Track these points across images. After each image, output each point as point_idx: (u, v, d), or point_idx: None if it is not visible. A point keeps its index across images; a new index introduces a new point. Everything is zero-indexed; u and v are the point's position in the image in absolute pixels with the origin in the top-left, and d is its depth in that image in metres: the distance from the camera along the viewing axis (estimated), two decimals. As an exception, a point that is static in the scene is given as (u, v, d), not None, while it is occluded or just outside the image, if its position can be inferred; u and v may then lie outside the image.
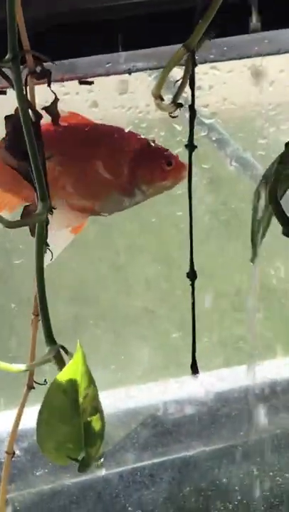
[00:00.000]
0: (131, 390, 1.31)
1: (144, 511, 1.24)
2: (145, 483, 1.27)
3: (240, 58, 0.91)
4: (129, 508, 1.23)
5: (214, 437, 1.33)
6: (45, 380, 0.84)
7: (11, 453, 0.90)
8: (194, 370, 0.80)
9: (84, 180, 0.88)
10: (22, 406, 0.89)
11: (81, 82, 0.82)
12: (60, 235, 0.88)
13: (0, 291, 1.21)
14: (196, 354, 0.81)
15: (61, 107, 0.78)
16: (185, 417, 1.34)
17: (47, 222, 0.77)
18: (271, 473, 1.27)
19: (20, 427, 0.90)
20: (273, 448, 1.29)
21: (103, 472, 1.22)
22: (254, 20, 0.82)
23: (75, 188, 0.89)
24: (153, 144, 0.89)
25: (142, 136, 0.89)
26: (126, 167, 0.85)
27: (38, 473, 1.24)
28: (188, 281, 0.81)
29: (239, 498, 1.25)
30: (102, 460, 0.75)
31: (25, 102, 0.75)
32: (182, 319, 1.30)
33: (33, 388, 0.88)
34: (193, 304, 0.78)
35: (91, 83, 0.82)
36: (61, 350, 0.79)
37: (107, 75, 0.92)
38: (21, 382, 0.88)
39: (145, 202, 0.90)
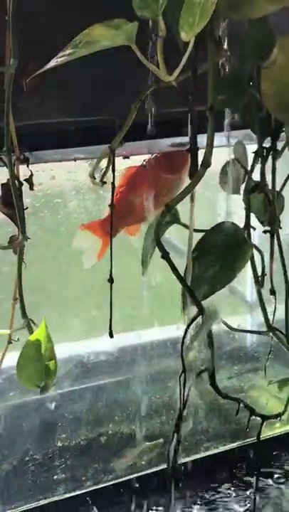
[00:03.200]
0: (65, 345, 1.30)
1: (75, 416, 1.23)
2: (75, 400, 1.26)
3: (140, 154, 0.92)
4: (65, 414, 1.23)
5: (116, 373, 1.33)
6: (18, 339, 0.84)
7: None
8: (111, 335, 0.80)
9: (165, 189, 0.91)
10: (4, 353, 0.88)
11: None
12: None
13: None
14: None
15: (37, 179, 0.78)
16: (99, 361, 1.34)
17: (23, 246, 0.78)
18: (150, 395, 1.27)
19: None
20: (151, 380, 1.30)
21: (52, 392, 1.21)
22: (149, 134, 0.83)
23: (163, 192, 0.91)
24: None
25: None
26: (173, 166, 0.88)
27: (11, 394, 1.22)
28: (105, 281, 0.81)
29: (130, 409, 1.26)
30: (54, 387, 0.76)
31: (14, 176, 0.76)
32: (99, 304, 1.30)
33: (11, 343, 0.86)
34: (110, 296, 0.78)
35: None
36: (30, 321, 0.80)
37: (60, 161, 0.92)
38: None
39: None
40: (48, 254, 1.22)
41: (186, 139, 0.77)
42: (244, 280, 1.39)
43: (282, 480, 1.18)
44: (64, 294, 1.34)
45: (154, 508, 1.11)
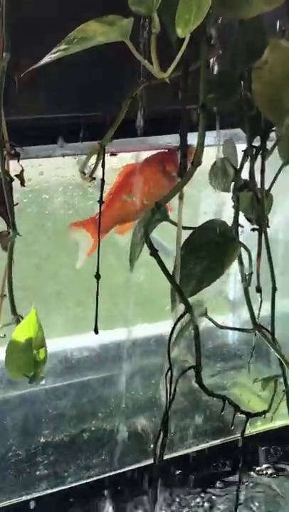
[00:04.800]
0: (50, 341, 1.28)
1: (59, 412, 1.23)
2: (59, 396, 1.26)
3: (131, 151, 0.92)
4: (49, 410, 1.22)
5: (100, 369, 1.32)
6: (4, 335, 0.83)
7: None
8: (96, 331, 0.80)
9: (161, 185, 0.89)
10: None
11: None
12: None
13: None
14: (93, 322, 0.80)
15: (26, 174, 0.78)
16: (83, 357, 1.33)
17: (14, 242, 0.76)
18: (133, 392, 1.27)
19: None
20: (133, 376, 1.29)
21: (36, 388, 1.20)
22: (138, 131, 0.82)
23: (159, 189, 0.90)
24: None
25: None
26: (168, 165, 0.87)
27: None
28: (88, 278, 0.80)
29: (113, 406, 1.25)
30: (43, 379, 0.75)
31: (4, 171, 0.75)
32: (82, 300, 1.30)
33: (-3, 339, 0.85)
34: (97, 292, 0.78)
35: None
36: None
37: (50, 157, 0.91)
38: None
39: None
40: (33, 250, 1.21)
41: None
42: (227, 278, 1.39)
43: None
44: (45, 291, 1.33)
45: (140, 503, 1.11)
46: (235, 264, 0.85)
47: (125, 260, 0.89)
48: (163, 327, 1.09)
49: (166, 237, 0.85)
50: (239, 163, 0.84)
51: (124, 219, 0.92)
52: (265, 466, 1.22)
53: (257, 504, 1.13)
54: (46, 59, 0.64)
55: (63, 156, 0.90)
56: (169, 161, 0.90)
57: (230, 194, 0.86)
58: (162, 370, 0.78)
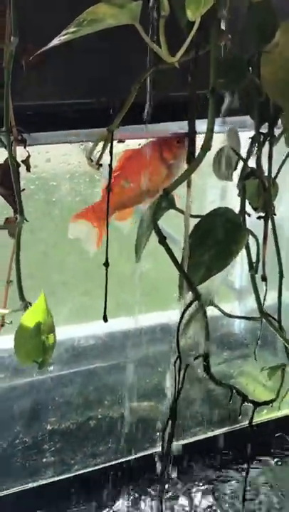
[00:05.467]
0: (56, 330, 1.28)
1: (65, 400, 1.22)
2: (65, 383, 1.25)
3: (137, 138, 0.90)
4: (56, 398, 1.21)
5: (106, 357, 1.31)
6: (11, 322, 0.82)
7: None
8: (105, 319, 0.79)
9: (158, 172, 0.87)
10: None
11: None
12: None
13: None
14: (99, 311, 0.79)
15: (32, 161, 0.76)
16: (89, 345, 1.33)
17: (21, 228, 0.75)
18: (138, 379, 1.26)
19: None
20: (140, 364, 1.28)
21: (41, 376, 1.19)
22: (145, 117, 0.81)
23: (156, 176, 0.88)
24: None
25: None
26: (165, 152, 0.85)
27: (1, 375, 1.20)
28: (93, 268, 0.78)
29: (120, 393, 1.24)
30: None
31: (11, 157, 0.74)
32: (88, 289, 1.28)
33: (3, 326, 0.84)
34: (106, 280, 0.77)
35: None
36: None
37: (57, 143, 0.90)
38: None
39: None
40: (40, 237, 1.20)
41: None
42: (232, 267, 1.38)
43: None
44: (51, 280, 1.32)
45: (146, 491, 1.10)
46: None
47: (131, 249, 0.88)
48: (169, 316, 1.07)
49: (172, 225, 0.84)
50: (246, 150, 0.83)
51: (124, 205, 0.90)
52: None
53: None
54: (55, 42, 0.62)
55: (70, 142, 0.89)
56: (167, 148, 0.88)
57: (236, 182, 0.84)
58: (168, 358, 0.77)
